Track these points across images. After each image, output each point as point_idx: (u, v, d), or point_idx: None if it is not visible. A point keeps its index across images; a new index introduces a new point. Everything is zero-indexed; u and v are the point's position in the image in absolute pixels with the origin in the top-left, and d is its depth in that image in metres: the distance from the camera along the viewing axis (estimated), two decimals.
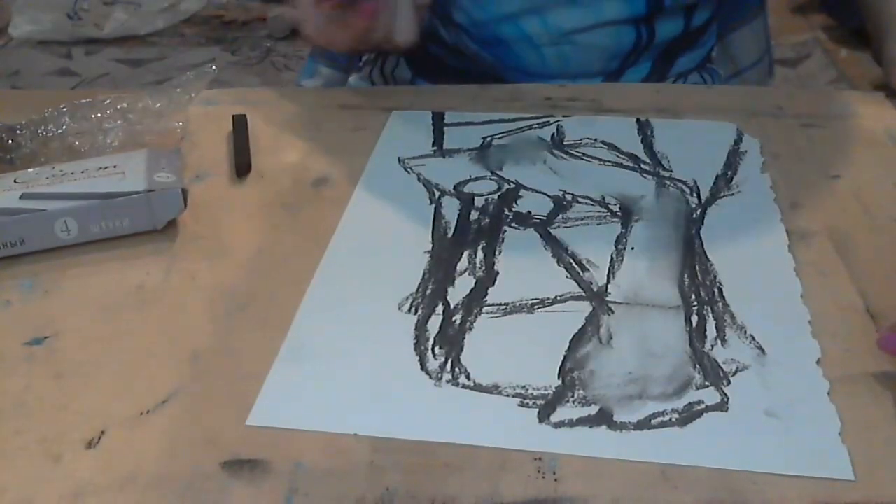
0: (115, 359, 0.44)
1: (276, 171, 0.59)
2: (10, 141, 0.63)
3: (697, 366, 0.42)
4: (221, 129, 0.64)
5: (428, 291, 0.47)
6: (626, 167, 0.57)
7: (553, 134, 0.61)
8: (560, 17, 0.73)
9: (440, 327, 0.45)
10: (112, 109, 0.66)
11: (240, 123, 0.64)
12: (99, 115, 0.65)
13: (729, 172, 0.57)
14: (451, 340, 0.44)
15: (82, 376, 0.43)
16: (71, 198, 0.52)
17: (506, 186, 0.55)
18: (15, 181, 0.54)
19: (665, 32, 0.75)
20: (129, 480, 0.37)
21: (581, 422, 0.39)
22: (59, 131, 0.64)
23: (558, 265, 0.49)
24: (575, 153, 0.59)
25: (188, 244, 0.52)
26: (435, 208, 0.54)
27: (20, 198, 0.52)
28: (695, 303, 0.46)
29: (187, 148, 0.62)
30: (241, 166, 0.59)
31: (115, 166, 0.55)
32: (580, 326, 0.44)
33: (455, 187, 0.55)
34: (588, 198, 0.54)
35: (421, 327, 0.45)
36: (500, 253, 0.50)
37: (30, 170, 0.56)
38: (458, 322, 0.45)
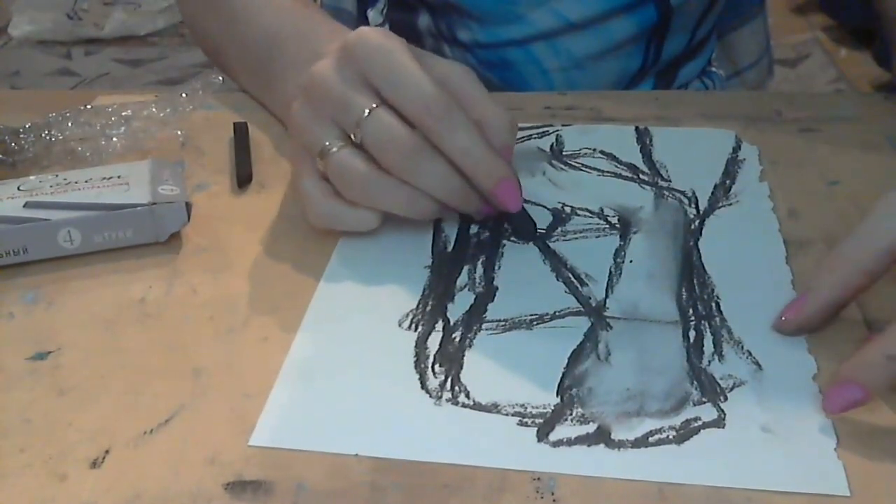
0: (119, 375, 0.44)
1: (276, 182, 0.59)
2: (13, 144, 0.63)
3: (695, 381, 0.42)
4: (222, 136, 0.65)
5: (428, 307, 0.47)
6: (625, 177, 0.57)
7: (552, 144, 0.61)
8: (570, 43, 0.73)
9: (440, 344, 0.45)
10: (116, 116, 0.66)
11: (241, 131, 0.64)
12: (103, 122, 0.66)
13: (727, 181, 0.57)
14: (451, 358, 0.44)
15: (86, 393, 0.44)
16: (75, 208, 0.52)
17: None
18: (19, 188, 0.54)
19: (671, 50, 0.76)
20: (133, 502, 0.38)
21: (579, 440, 0.39)
22: (62, 136, 0.64)
23: (557, 279, 0.49)
24: (574, 164, 0.59)
25: (190, 257, 0.53)
26: (435, 222, 0.54)
27: (24, 206, 0.52)
28: (692, 317, 0.46)
29: (188, 156, 0.63)
30: (243, 177, 0.59)
31: (119, 177, 0.55)
32: (579, 342, 0.45)
33: None
34: (587, 210, 0.54)
35: (421, 344, 0.45)
36: (499, 268, 0.50)
37: (33, 177, 0.56)
38: (457, 339, 0.45)
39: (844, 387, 0.39)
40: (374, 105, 0.48)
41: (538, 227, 0.53)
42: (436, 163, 0.49)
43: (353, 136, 0.49)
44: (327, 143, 0.49)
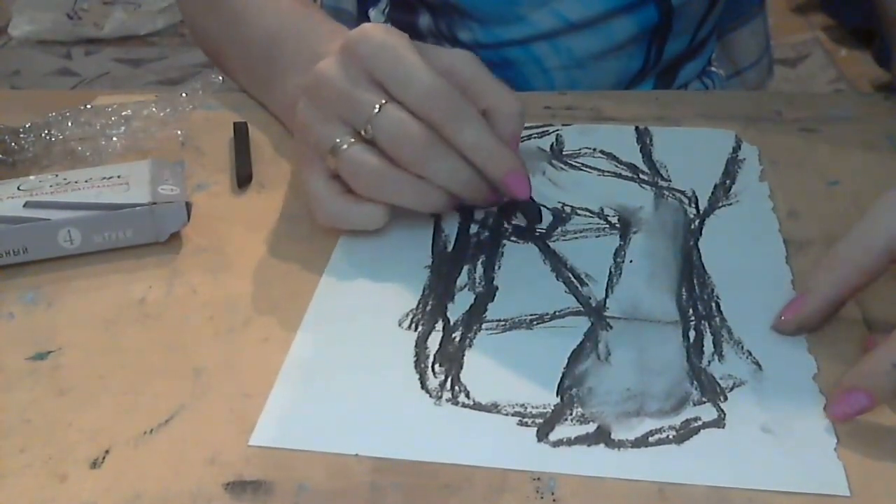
0: (119, 375, 0.44)
1: (276, 182, 0.59)
2: (13, 144, 0.63)
3: (695, 381, 0.42)
4: (222, 136, 0.65)
5: (428, 307, 0.47)
6: (625, 177, 0.57)
7: (552, 144, 0.61)
8: (571, 43, 0.73)
9: (440, 344, 0.45)
10: (116, 116, 0.66)
11: (241, 131, 0.64)
12: (103, 122, 0.66)
13: (727, 181, 0.57)
14: (451, 358, 0.44)
15: (86, 393, 0.44)
16: (75, 208, 0.52)
17: (505, 199, 0.55)
18: (19, 188, 0.54)
19: (672, 50, 0.76)
20: (133, 502, 0.38)
21: (579, 440, 0.39)
22: (62, 136, 0.64)
23: (557, 279, 0.49)
24: (574, 163, 0.59)
25: (190, 257, 0.53)
26: (435, 222, 0.54)
27: (24, 206, 0.52)
28: (692, 318, 0.46)
29: (188, 156, 0.63)
30: (242, 177, 0.59)
31: (118, 177, 0.55)
32: (579, 342, 0.45)
33: None
34: (587, 210, 0.54)
35: (421, 344, 0.45)
36: (499, 267, 0.50)
37: (33, 177, 0.56)
38: (457, 339, 0.45)
39: (851, 395, 0.39)
40: (384, 101, 0.49)
41: (539, 227, 0.53)
42: (448, 156, 0.49)
43: (363, 133, 0.49)
44: (338, 141, 0.49)
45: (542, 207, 0.54)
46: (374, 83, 0.49)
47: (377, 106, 0.49)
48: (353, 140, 0.49)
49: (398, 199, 0.50)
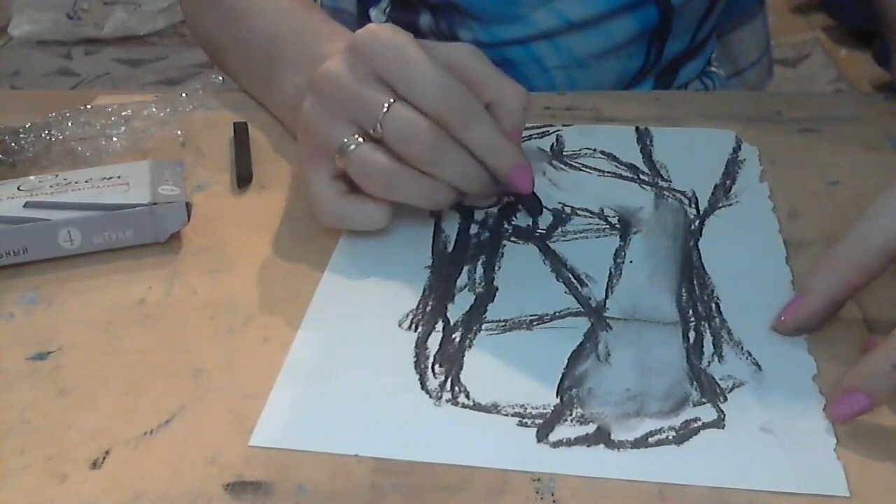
0: (119, 376, 0.44)
1: (276, 182, 0.59)
2: (13, 144, 0.63)
3: (695, 382, 0.42)
4: (222, 136, 0.65)
5: (428, 308, 0.47)
6: (625, 178, 0.57)
7: (552, 144, 0.61)
8: (571, 42, 0.73)
9: (440, 345, 0.45)
10: (116, 116, 0.66)
11: (241, 131, 0.64)
12: (103, 122, 0.66)
13: (727, 182, 0.57)
14: (451, 358, 0.44)
15: (86, 394, 0.44)
16: (75, 208, 0.52)
17: (505, 199, 0.55)
18: (19, 188, 0.54)
19: (672, 50, 0.76)
20: (133, 502, 0.38)
21: (579, 441, 0.39)
22: (62, 136, 0.64)
23: (557, 280, 0.49)
24: (574, 164, 0.59)
25: (190, 257, 0.53)
26: (435, 222, 0.54)
27: (24, 206, 0.53)
28: (692, 318, 0.46)
29: (188, 156, 0.63)
30: (243, 177, 0.59)
31: (119, 177, 0.55)
32: (578, 343, 0.45)
33: None
34: (587, 210, 0.54)
35: (421, 345, 0.45)
36: (499, 268, 0.50)
37: (33, 177, 0.56)
38: (457, 339, 0.45)
39: (851, 395, 0.39)
40: (392, 100, 0.49)
41: (538, 227, 0.53)
42: (457, 153, 0.49)
43: (371, 132, 0.49)
44: (346, 141, 0.50)
45: (541, 202, 0.54)
46: (381, 82, 0.49)
47: (385, 105, 0.49)
48: (360, 140, 0.50)
49: (407, 197, 0.51)
